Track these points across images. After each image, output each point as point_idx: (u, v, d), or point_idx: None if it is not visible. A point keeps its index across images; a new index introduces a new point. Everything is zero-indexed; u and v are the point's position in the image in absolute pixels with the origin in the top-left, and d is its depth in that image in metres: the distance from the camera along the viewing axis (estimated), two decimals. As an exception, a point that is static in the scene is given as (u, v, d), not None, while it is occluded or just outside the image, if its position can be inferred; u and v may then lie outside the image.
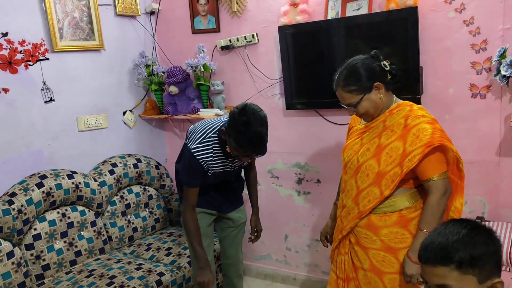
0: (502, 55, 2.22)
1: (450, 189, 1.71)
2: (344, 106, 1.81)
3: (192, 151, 2.05)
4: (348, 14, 2.62)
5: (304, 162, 3.04)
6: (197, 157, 2.04)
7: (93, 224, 2.84)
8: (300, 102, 2.89)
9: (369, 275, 1.82)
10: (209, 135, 2.07)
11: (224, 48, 3.12)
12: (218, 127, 2.08)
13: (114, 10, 3.18)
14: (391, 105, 1.79)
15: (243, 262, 2.62)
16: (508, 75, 2.18)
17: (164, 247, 2.92)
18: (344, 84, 1.74)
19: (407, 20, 2.40)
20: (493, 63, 2.28)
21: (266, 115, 1.96)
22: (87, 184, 2.82)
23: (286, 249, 3.24)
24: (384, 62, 1.76)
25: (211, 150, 2.07)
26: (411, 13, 2.38)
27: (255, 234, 2.47)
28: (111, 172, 3.02)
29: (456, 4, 2.36)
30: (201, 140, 2.06)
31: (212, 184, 2.23)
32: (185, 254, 2.81)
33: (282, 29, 2.79)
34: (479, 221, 1.17)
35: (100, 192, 2.90)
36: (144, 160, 3.26)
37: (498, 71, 2.23)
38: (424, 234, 1.64)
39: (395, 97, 1.83)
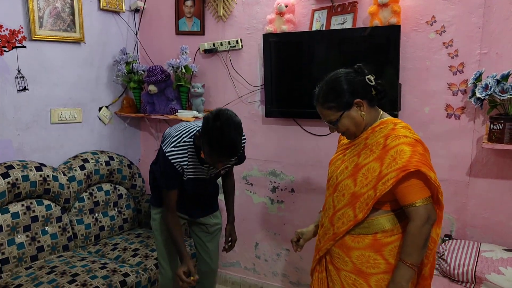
0: (478, 78, 2.29)
1: (434, 216, 1.56)
2: (325, 123, 1.72)
3: (166, 154, 2.02)
4: (332, 27, 2.66)
5: (280, 170, 3.04)
6: (172, 161, 2.02)
7: (59, 219, 2.75)
8: (280, 110, 2.90)
9: None
10: (184, 139, 2.05)
11: (207, 51, 3.11)
12: (194, 132, 2.06)
13: (98, 4, 3.13)
14: (376, 122, 1.67)
15: (216, 272, 2.56)
16: (482, 98, 2.25)
17: (131, 248, 2.85)
18: (323, 100, 1.64)
19: (389, 37, 2.46)
20: (469, 86, 2.36)
21: (241, 121, 1.92)
22: (55, 178, 2.73)
23: (255, 257, 3.22)
24: (369, 76, 1.64)
25: (186, 155, 2.04)
26: (394, 31, 2.43)
27: (229, 243, 2.41)
28: (82, 167, 2.94)
29: (437, 26, 2.43)
30: (175, 144, 2.03)
31: (187, 192, 2.19)
32: (152, 256, 2.75)
33: (267, 37, 2.81)
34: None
35: (68, 187, 2.81)
36: (116, 158, 3.19)
37: (473, 94, 2.29)
38: (405, 266, 1.54)
39: (381, 113, 1.70)
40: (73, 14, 2.93)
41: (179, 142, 2.03)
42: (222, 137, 1.82)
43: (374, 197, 1.58)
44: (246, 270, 3.27)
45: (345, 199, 1.67)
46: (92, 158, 3.03)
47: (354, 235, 1.68)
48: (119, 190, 3.18)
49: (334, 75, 1.67)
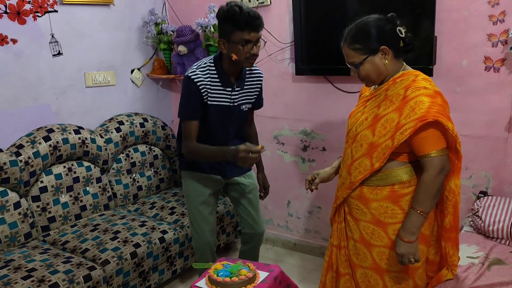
0: (521, 27, 2.16)
1: (448, 167, 1.61)
2: (348, 65, 1.72)
3: (189, 75, 2.04)
4: (364, -22, 2.55)
5: (311, 129, 3.03)
6: (195, 80, 2.03)
7: (99, 180, 2.88)
8: (310, 67, 2.85)
9: (358, 246, 1.80)
10: (205, 61, 2.10)
11: (236, 9, 3.06)
12: (214, 56, 2.12)
13: (125, -35, 3.10)
14: (397, 74, 1.68)
15: (263, 234, 2.52)
16: (525, 49, 2.13)
17: (168, 206, 2.96)
18: (350, 41, 1.66)
19: (425, -13, 2.34)
20: (510, 36, 2.23)
21: None
22: (93, 140, 2.83)
23: (288, 215, 3.28)
24: (400, 28, 1.65)
25: (208, 75, 2.07)
26: (430, -20, 2.31)
27: (264, 190, 2.47)
28: (118, 129, 3.03)
29: (477, -28, 2.28)
30: (198, 66, 2.08)
31: (215, 128, 2.17)
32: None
33: (296, -8, 2.72)
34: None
35: (106, 149, 2.92)
36: (150, 119, 3.26)
37: (515, 44, 2.18)
38: (416, 213, 1.60)
39: (404, 66, 1.71)
40: (101, -24, 2.93)
41: (200, 66, 2.09)
42: (241, 9, 1.91)
43: (391, 147, 1.61)
44: (279, 227, 3.34)
45: (362, 149, 1.71)
46: (127, 120, 3.11)
47: (372, 187, 1.73)
48: (154, 151, 3.26)
49: (366, 19, 1.70)
